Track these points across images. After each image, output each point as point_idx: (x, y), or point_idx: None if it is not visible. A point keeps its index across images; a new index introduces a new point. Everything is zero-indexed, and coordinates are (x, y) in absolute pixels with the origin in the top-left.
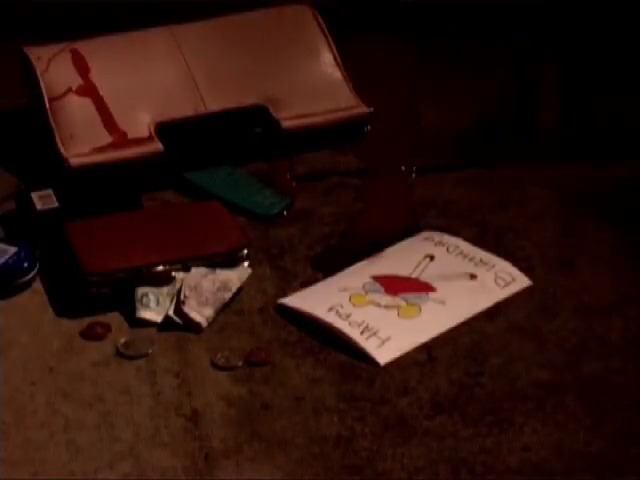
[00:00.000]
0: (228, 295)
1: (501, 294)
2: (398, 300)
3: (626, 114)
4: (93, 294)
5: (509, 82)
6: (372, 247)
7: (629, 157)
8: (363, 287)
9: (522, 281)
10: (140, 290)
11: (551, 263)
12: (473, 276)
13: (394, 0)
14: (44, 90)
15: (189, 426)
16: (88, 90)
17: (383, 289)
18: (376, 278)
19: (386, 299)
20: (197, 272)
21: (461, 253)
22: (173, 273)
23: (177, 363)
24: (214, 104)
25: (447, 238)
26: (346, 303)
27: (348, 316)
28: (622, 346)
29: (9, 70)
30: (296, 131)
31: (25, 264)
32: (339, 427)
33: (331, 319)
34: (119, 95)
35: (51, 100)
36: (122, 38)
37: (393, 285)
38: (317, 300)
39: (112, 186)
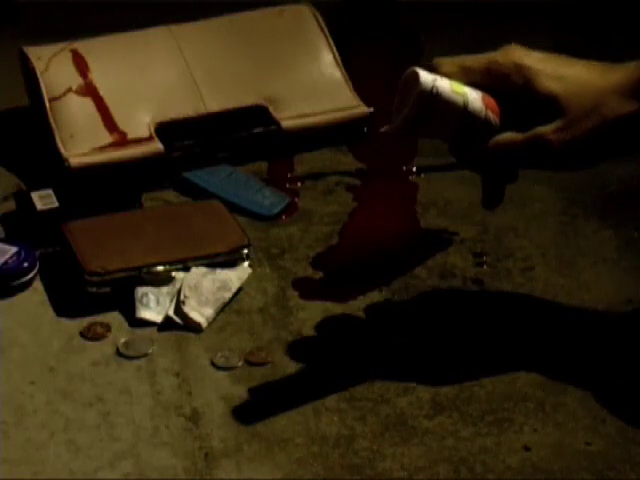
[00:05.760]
0: (228, 295)
1: None
2: None
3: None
4: (93, 294)
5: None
6: (372, 248)
7: (629, 157)
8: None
9: None
10: (140, 290)
11: (551, 263)
12: None
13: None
14: (44, 90)
15: (189, 426)
16: (88, 90)
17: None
18: None
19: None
20: (197, 272)
21: None
22: (173, 273)
23: (177, 363)
24: (214, 104)
25: None
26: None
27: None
28: (622, 346)
29: (9, 70)
30: (296, 131)
31: (25, 264)
32: (339, 427)
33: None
34: (119, 95)
35: (51, 100)
36: (122, 38)
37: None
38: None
39: (112, 186)
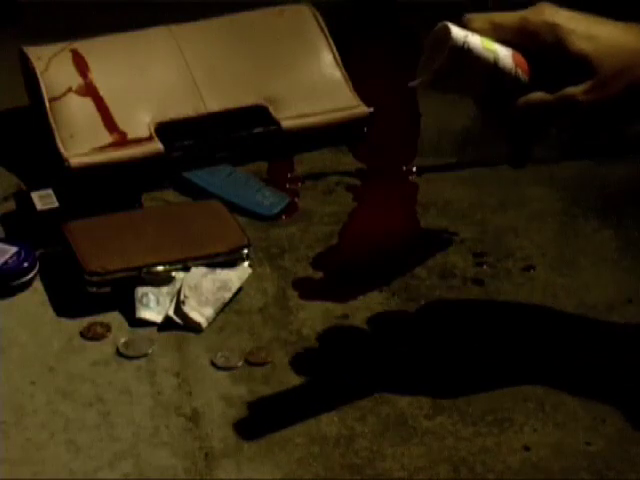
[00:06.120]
0: (228, 295)
1: None
2: None
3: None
4: (93, 294)
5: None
6: (372, 248)
7: (629, 157)
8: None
9: None
10: (140, 290)
11: (551, 263)
12: None
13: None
14: (44, 90)
15: (189, 426)
16: (88, 90)
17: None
18: None
19: None
20: (197, 272)
21: None
22: (173, 273)
23: (177, 363)
24: (214, 104)
25: None
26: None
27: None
28: (622, 346)
29: (9, 70)
30: (296, 131)
31: (25, 264)
32: (339, 427)
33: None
34: (119, 95)
35: (51, 100)
36: (122, 38)
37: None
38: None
39: (112, 186)
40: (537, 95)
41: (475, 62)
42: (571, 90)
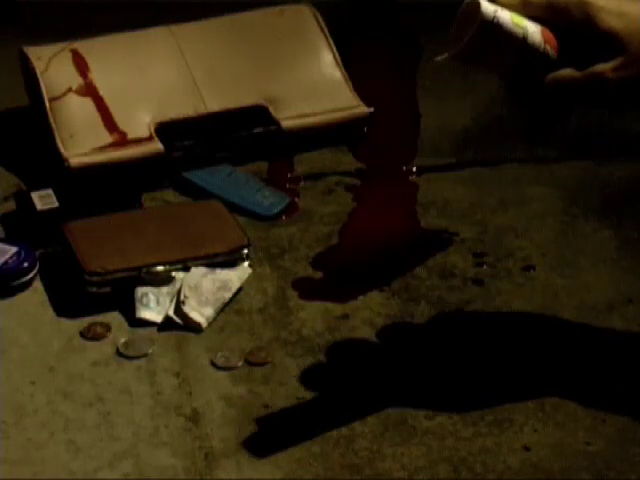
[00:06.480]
0: (228, 295)
1: None
2: None
3: (627, 113)
4: (93, 294)
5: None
6: (372, 248)
7: (629, 157)
8: None
9: None
10: (140, 290)
11: (551, 263)
12: None
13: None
14: (44, 90)
15: (189, 426)
16: (88, 90)
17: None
18: None
19: None
20: (197, 272)
21: None
22: (173, 273)
23: (177, 363)
24: (214, 104)
25: None
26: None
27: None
28: (622, 346)
29: (9, 70)
30: (296, 131)
31: (25, 264)
32: (339, 427)
33: None
34: (119, 95)
35: (51, 100)
36: (122, 38)
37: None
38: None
39: (112, 186)
40: (566, 72)
41: (504, 37)
42: (600, 67)
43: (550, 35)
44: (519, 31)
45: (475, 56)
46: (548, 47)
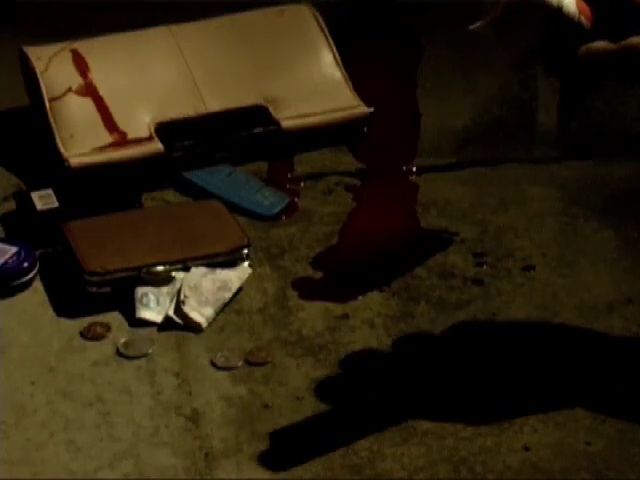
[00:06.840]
0: (228, 295)
1: None
2: None
3: (627, 113)
4: (93, 294)
5: (509, 81)
6: (372, 248)
7: (629, 157)
8: None
9: None
10: (140, 290)
11: (551, 263)
12: None
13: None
14: (44, 90)
15: (189, 426)
16: (88, 90)
17: None
18: None
19: None
20: (197, 272)
21: None
22: (173, 273)
23: (177, 363)
24: (214, 104)
25: None
26: None
27: None
28: (622, 346)
29: (9, 70)
30: (296, 131)
31: (25, 264)
32: (339, 427)
33: None
34: (119, 95)
35: (51, 100)
36: (122, 38)
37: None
38: None
39: (112, 186)
40: (600, 44)
41: (539, 7)
42: (635, 40)
43: (585, 6)
44: (554, 0)
45: (509, 23)
46: (583, 18)
